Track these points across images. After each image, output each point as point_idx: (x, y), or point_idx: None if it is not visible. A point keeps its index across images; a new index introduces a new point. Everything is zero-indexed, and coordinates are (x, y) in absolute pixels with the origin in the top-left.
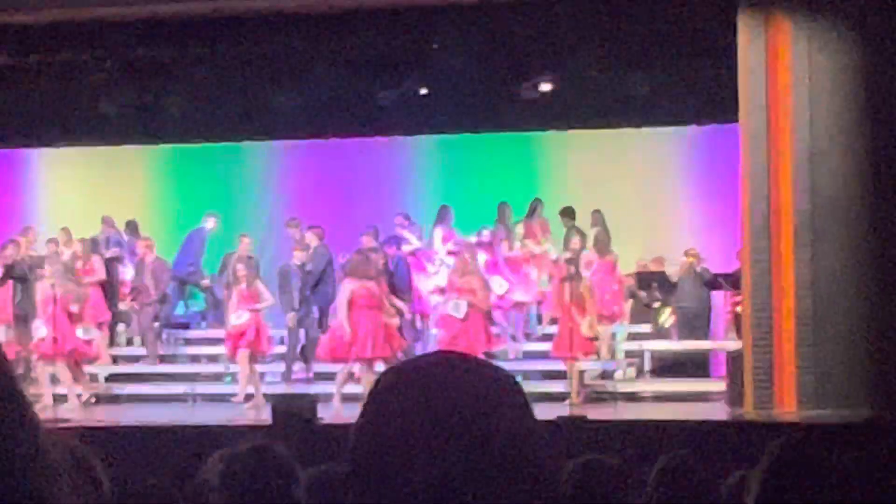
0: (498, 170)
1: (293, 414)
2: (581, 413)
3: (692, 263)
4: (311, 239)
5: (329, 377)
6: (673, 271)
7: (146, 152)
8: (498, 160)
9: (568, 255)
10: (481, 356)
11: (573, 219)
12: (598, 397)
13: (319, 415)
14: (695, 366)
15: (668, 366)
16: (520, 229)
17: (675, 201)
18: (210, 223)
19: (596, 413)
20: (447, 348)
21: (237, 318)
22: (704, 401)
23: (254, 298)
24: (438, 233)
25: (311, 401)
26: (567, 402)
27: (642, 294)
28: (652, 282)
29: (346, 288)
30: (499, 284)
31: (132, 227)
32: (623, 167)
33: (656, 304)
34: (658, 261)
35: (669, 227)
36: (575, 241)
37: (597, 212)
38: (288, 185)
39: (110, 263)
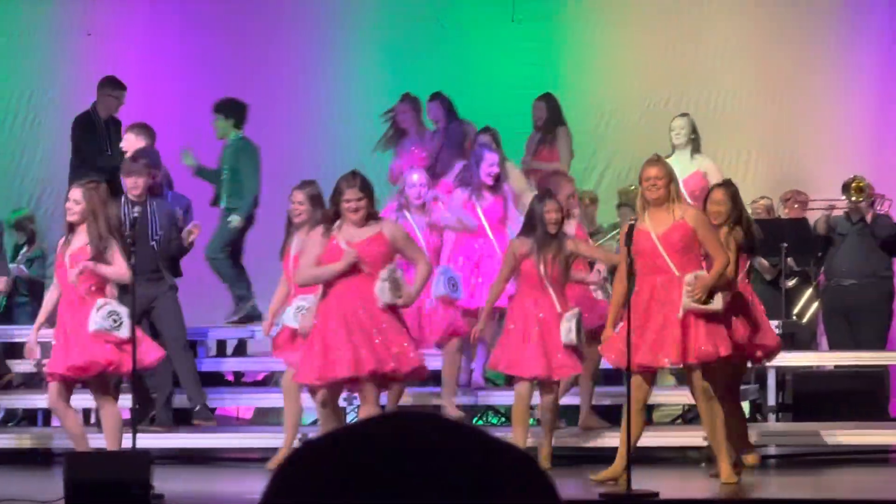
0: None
1: (103, 484)
2: (649, 489)
3: (858, 206)
4: None
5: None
6: (819, 219)
7: None
8: None
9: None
10: None
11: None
12: (681, 456)
13: (158, 487)
14: (863, 399)
15: (814, 399)
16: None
17: (817, 90)
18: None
19: (675, 486)
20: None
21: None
22: (882, 463)
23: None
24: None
25: (144, 461)
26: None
27: (760, 262)
28: (776, 238)
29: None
30: None
31: None
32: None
33: (790, 283)
34: (792, 200)
35: (808, 139)
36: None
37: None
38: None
39: None
